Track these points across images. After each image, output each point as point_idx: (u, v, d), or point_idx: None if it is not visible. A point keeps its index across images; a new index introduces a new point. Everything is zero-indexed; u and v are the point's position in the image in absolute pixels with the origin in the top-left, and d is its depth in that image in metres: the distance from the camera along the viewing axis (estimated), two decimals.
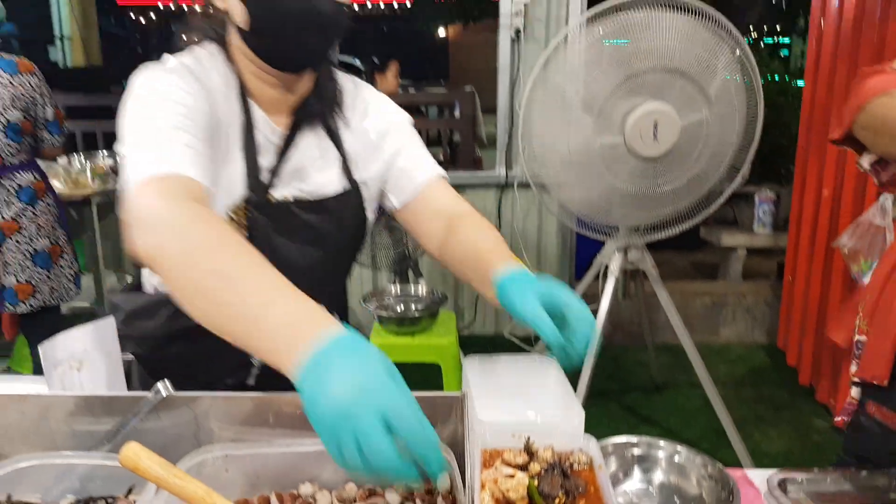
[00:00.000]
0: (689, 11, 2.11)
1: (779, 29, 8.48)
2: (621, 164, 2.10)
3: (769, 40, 8.64)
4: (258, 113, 0.98)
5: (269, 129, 0.99)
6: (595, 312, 2.40)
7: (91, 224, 3.38)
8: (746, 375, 3.26)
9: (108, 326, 1.14)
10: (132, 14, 13.05)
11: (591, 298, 2.42)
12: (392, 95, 4.44)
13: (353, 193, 1.05)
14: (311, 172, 1.02)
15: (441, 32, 12.45)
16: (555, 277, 3.14)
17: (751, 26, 7.63)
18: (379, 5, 13.65)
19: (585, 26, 2.23)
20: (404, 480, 0.54)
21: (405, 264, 2.80)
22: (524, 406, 0.91)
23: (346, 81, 1.09)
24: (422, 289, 2.68)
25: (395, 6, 13.21)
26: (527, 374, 0.94)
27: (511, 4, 2.96)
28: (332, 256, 1.05)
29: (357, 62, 11.57)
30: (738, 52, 2.09)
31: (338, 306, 1.14)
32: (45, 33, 6.74)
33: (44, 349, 1.12)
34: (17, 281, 2.39)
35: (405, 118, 1.12)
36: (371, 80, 4.24)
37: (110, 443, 0.88)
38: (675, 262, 4.48)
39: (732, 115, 2.08)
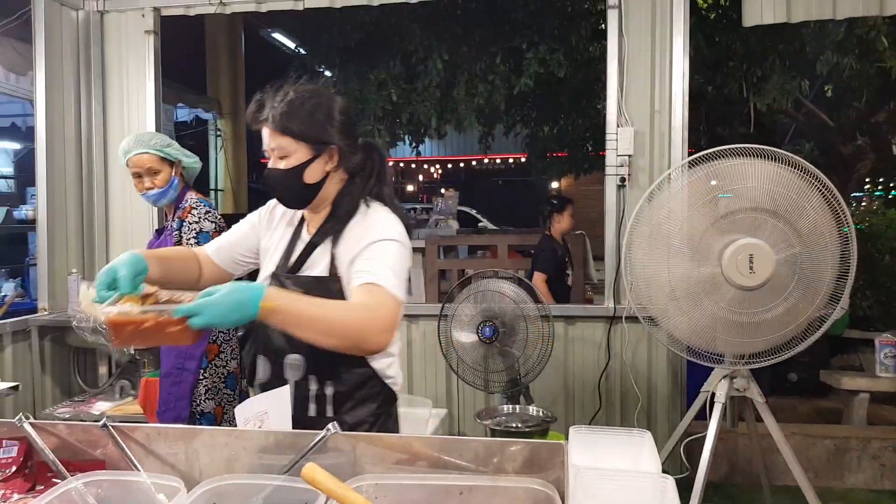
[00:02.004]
0: (777, 160, 2.36)
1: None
2: (721, 293, 2.28)
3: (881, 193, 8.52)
4: (304, 228, 1.56)
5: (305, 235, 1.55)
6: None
7: None
8: None
9: (283, 393, 1.45)
10: None
11: (704, 427, 2.50)
12: (566, 233, 4.73)
13: (333, 279, 1.45)
14: (311, 262, 1.50)
15: (554, 184, 13.16)
16: (666, 409, 3.20)
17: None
18: (495, 160, 14.74)
19: (685, 170, 2.52)
20: None
21: (517, 389, 3.00)
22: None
23: (361, 206, 1.51)
24: (533, 409, 2.85)
25: (511, 161, 14.21)
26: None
27: (616, 157, 3.31)
28: None
29: (472, 211, 12.46)
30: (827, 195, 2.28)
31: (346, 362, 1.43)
32: (203, 186, 7.99)
33: (238, 410, 1.45)
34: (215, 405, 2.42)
35: (386, 237, 1.43)
36: (550, 220, 4.63)
37: (289, 469, 1.14)
38: (798, 407, 4.36)
39: (825, 252, 2.23)
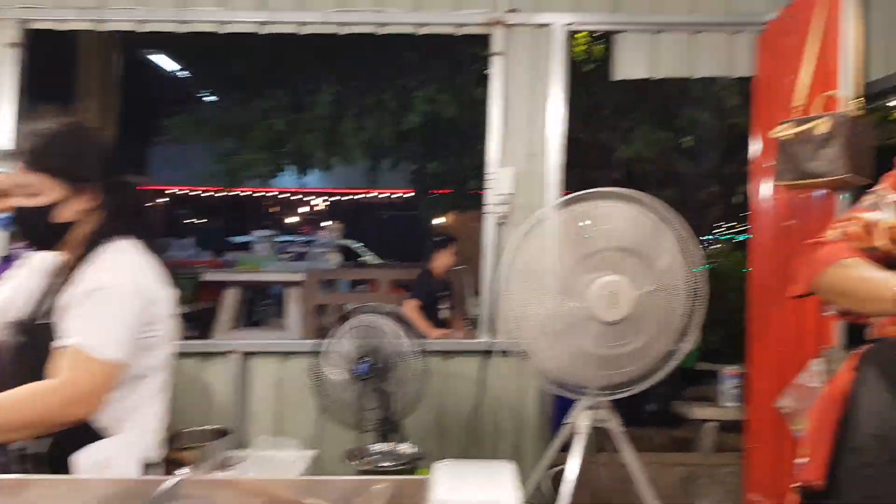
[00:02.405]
0: (639, 203, 2.54)
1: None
2: (586, 327, 2.40)
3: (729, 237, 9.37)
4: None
5: None
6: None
7: None
8: None
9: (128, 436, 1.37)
10: None
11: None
12: (447, 269, 4.77)
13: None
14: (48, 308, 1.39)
15: (441, 220, 13.39)
16: (536, 441, 3.28)
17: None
18: (382, 195, 14.81)
19: (557, 209, 2.65)
20: None
21: (390, 427, 2.97)
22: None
23: (102, 246, 1.42)
24: (404, 447, 2.83)
25: (398, 196, 14.33)
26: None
27: (496, 195, 3.43)
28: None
29: (357, 245, 12.41)
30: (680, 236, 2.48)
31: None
32: None
33: (78, 457, 1.34)
34: None
35: (101, 285, 1.36)
36: (430, 257, 4.67)
37: None
38: (654, 437, 4.61)
39: (678, 290, 2.41)
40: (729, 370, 3.97)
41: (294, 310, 4.81)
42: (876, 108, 2.93)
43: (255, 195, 15.17)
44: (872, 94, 2.67)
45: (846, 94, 2.42)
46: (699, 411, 4.00)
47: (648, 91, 5.29)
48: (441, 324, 4.56)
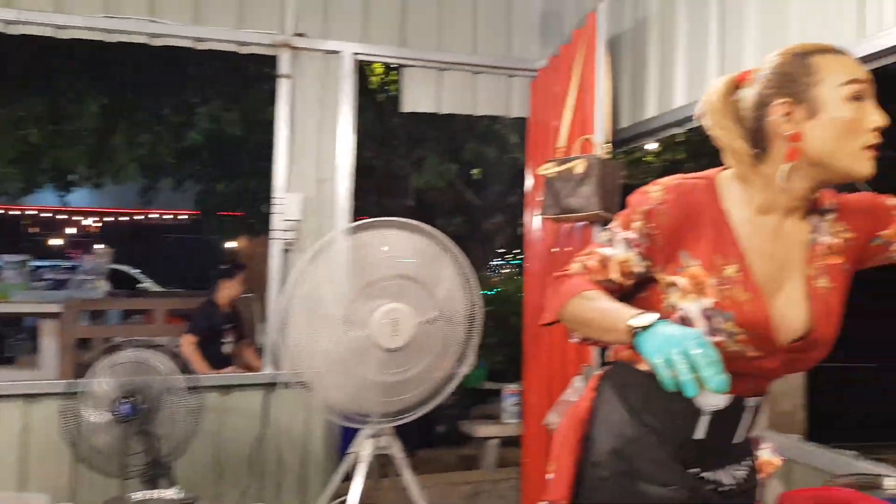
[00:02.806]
0: (421, 232, 2.61)
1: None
2: (369, 355, 2.39)
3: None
4: None
5: None
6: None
7: None
8: None
9: None
10: None
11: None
12: (234, 299, 4.46)
13: None
14: None
15: (232, 244, 12.76)
16: (322, 474, 3.20)
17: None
18: (164, 215, 13.77)
19: (341, 237, 2.64)
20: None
21: (158, 471, 2.72)
22: None
23: None
24: (170, 492, 2.59)
25: (184, 217, 13.41)
26: None
27: (283, 221, 3.33)
28: None
29: (133, 271, 11.36)
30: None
31: None
32: None
33: None
34: None
35: None
36: (217, 285, 4.37)
37: None
38: (444, 457, 4.76)
39: (457, 316, 2.51)
40: (509, 389, 4.22)
41: (49, 345, 4.24)
42: (624, 151, 3.32)
43: (9, 213, 13.30)
44: (620, 140, 3.03)
45: (599, 139, 2.71)
46: (482, 429, 4.20)
47: (439, 123, 5.53)
48: (224, 360, 4.30)
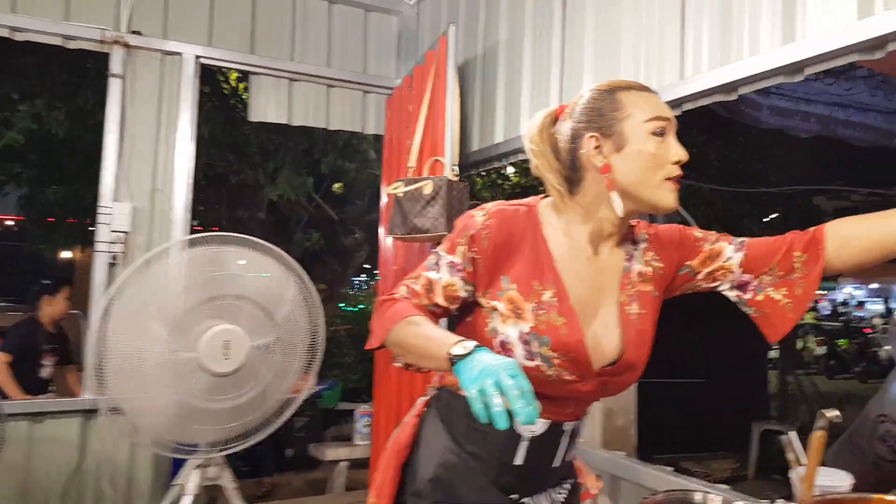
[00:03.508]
0: (264, 251, 2.48)
1: None
2: (196, 379, 2.22)
3: None
4: None
5: None
6: None
7: None
8: None
9: None
10: None
11: None
12: (58, 317, 3.98)
13: None
14: None
15: (67, 254, 11.66)
16: None
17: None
18: None
19: (174, 251, 2.44)
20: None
21: None
22: None
23: None
24: None
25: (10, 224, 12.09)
26: None
27: (110, 232, 3.05)
28: None
29: None
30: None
31: None
32: None
33: None
34: None
35: None
36: (39, 302, 3.93)
37: None
38: (293, 482, 4.58)
39: (297, 339, 2.40)
40: (362, 409, 4.12)
41: None
42: (479, 174, 3.38)
43: None
44: (471, 162, 3.07)
45: (449, 161, 2.72)
46: (331, 452, 4.06)
47: (296, 135, 5.37)
48: (41, 384, 3.87)
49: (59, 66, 4.57)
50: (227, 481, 2.45)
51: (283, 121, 3.49)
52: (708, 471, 4.90)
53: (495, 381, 0.97)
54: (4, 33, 2.93)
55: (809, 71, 1.75)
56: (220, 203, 6.33)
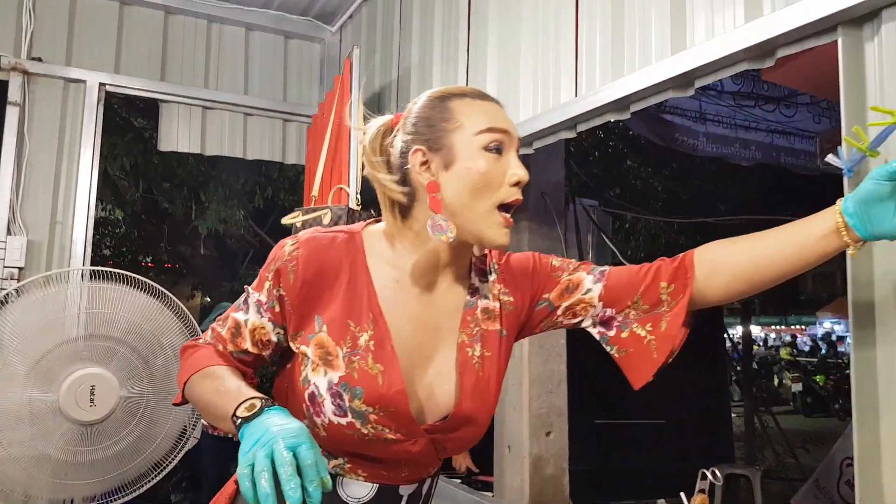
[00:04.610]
0: (151, 292, 2.30)
1: None
2: (54, 426, 2.02)
3: None
4: None
5: None
6: None
7: None
8: None
9: None
10: None
11: None
12: None
13: None
14: None
15: None
16: None
17: None
18: None
19: (42, 284, 2.25)
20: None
21: None
22: None
23: None
24: None
25: None
26: None
27: (3, 268, 2.86)
28: None
29: None
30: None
31: None
32: None
33: None
34: None
35: None
36: None
37: None
38: None
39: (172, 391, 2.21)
40: None
41: None
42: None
43: None
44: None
45: (354, 189, 2.59)
46: None
47: (230, 166, 5.21)
48: None
49: None
50: None
51: (196, 150, 3.34)
52: None
53: (267, 454, 0.80)
54: None
55: (700, 83, 1.64)
56: (162, 238, 6.12)
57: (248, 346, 1.07)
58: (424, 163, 1.04)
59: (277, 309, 1.05)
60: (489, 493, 2.42)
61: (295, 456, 0.80)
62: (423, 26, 2.74)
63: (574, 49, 1.98)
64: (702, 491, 1.06)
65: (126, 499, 2.21)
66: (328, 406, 1.00)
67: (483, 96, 1.09)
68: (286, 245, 1.07)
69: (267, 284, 1.06)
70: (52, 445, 2.00)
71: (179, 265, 6.47)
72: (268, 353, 1.09)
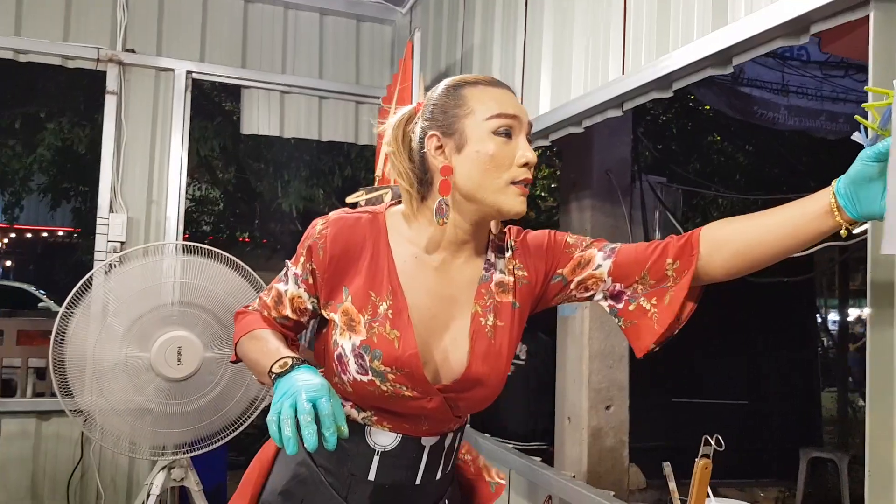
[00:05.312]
0: (235, 267, 2.51)
1: None
2: (147, 381, 2.28)
3: None
4: None
5: None
6: None
7: None
8: None
9: None
10: None
11: None
12: None
13: None
14: None
15: None
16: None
17: None
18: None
19: (140, 256, 2.52)
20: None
21: None
22: None
23: None
24: None
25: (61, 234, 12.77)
26: None
27: (107, 242, 3.18)
28: None
29: (33, 290, 10.79)
30: None
31: None
32: None
33: None
34: None
35: None
36: None
37: None
38: None
39: None
40: None
41: None
42: None
43: None
44: None
45: None
46: None
47: (306, 148, 5.46)
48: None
49: (80, 88, 4.83)
50: (192, 483, 2.50)
51: (276, 133, 3.56)
52: (751, 498, 4.60)
53: (291, 403, 0.94)
54: (8, 55, 3.11)
55: (737, 61, 1.65)
56: (255, 216, 6.50)
57: (288, 312, 1.23)
58: (439, 147, 1.14)
59: (311, 281, 1.19)
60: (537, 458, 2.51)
61: (315, 406, 0.94)
62: (486, 6, 2.80)
63: (623, 27, 2.00)
64: (705, 455, 1.11)
65: (206, 450, 2.46)
66: (352, 365, 1.13)
67: (495, 83, 1.18)
68: (317, 224, 1.20)
69: (301, 259, 1.20)
70: (145, 397, 2.26)
71: (272, 241, 6.86)
72: (305, 318, 1.24)
